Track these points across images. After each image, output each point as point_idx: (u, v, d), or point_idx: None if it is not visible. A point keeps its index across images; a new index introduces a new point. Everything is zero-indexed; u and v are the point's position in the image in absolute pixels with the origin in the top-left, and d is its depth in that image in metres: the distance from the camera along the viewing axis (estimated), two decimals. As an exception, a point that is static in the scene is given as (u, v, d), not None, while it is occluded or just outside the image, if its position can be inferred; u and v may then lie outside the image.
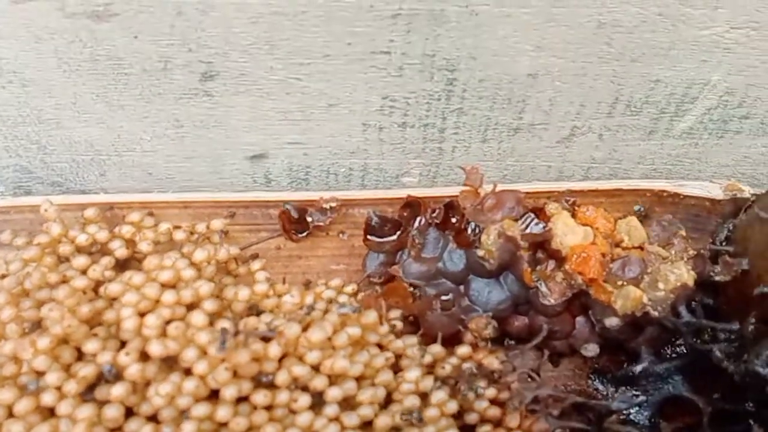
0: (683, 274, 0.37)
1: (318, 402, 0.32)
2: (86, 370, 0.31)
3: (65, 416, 0.30)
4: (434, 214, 0.40)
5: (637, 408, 0.39)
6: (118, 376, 0.31)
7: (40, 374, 0.31)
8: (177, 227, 0.39)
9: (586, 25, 0.37)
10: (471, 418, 0.36)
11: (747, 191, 0.43)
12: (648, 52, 0.39)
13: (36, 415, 0.31)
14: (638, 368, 0.39)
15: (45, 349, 0.30)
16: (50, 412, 0.31)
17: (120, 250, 0.37)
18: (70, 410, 0.30)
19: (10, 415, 0.31)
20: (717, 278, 0.37)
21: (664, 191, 0.43)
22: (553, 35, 0.37)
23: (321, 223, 0.42)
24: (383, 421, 0.33)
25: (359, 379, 0.33)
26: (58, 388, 0.30)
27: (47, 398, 0.30)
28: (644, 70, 0.40)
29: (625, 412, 0.39)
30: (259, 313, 0.36)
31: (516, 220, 0.39)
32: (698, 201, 0.43)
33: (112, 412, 0.30)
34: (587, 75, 0.40)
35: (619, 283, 0.38)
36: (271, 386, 0.32)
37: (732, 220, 0.41)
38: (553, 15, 0.36)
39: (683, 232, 0.40)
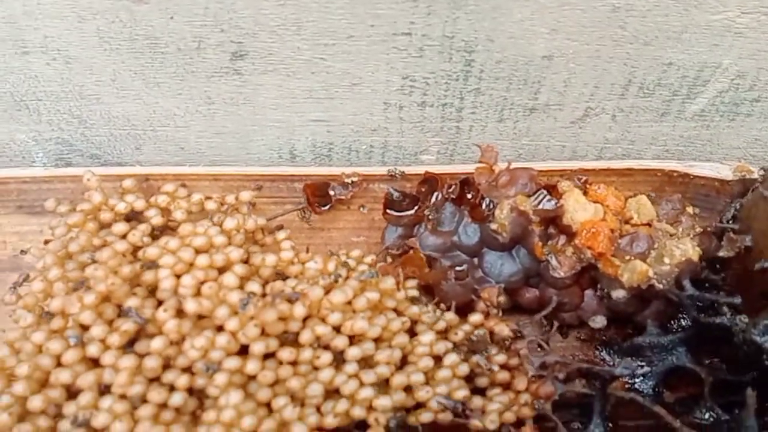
0: (688, 250, 0.38)
1: (339, 360, 0.35)
2: (127, 325, 0.33)
3: (109, 366, 0.33)
4: (450, 190, 0.42)
5: (641, 378, 0.41)
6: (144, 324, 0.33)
7: (85, 328, 0.34)
8: (208, 198, 0.41)
9: (600, 8, 0.38)
10: (482, 381, 0.38)
11: (756, 172, 0.44)
12: (661, 36, 0.40)
13: (82, 365, 0.33)
14: (642, 339, 0.40)
15: (90, 304, 0.33)
16: (95, 363, 0.34)
17: (156, 218, 0.39)
18: (113, 361, 0.33)
19: (59, 364, 0.34)
20: (722, 254, 0.39)
21: (674, 171, 0.45)
22: (568, 18, 0.39)
23: (343, 197, 0.44)
24: (398, 379, 0.35)
25: (377, 341, 0.36)
26: (102, 341, 0.33)
27: (92, 350, 0.33)
28: (657, 53, 0.41)
29: (630, 381, 0.41)
30: (284, 278, 0.38)
31: (529, 196, 0.41)
32: (708, 181, 0.44)
33: (151, 363, 0.33)
34: (601, 57, 0.41)
35: (627, 257, 0.40)
36: (296, 344, 0.35)
37: (739, 200, 0.42)
38: (568, -1, 0.38)
39: (691, 210, 0.42)
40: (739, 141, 0.47)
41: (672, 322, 0.42)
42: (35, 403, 0.33)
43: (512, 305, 0.43)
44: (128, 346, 0.34)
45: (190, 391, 0.34)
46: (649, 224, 0.41)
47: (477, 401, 0.36)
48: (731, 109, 0.45)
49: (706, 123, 0.46)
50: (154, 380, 0.33)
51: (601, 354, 0.43)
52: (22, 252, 0.43)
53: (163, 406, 0.33)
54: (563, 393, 0.38)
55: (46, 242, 0.40)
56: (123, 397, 0.32)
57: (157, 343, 0.33)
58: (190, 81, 0.41)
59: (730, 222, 0.41)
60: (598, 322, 0.42)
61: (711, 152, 0.48)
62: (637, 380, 0.41)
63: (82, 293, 0.33)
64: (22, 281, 0.39)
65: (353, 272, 0.38)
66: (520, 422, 0.36)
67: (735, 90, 0.43)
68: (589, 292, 0.42)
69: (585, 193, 0.42)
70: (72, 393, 0.33)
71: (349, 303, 0.35)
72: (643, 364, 0.41)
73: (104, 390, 0.33)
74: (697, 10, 0.39)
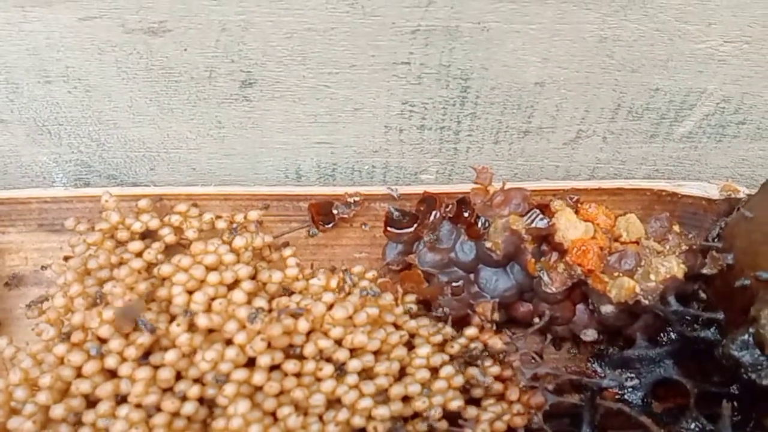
0: (673, 267, 0.40)
1: (340, 371, 0.37)
2: (143, 339, 0.36)
3: (125, 377, 0.35)
4: (448, 209, 0.44)
5: (631, 389, 0.43)
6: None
7: (103, 341, 0.36)
8: (218, 217, 0.44)
9: (588, 39, 0.41)
10: (477, 392, 0.40)
11: (742, 192, 0.46)
12: (647, 64, 0.42)
13: (100, 376, 0.36)
14: (632, 352, 0.42)
15: (109, 319, 0.36)
16: (112, 374, 0.36)
17: (169, 237, 0.42)
18: (129, 372, 0.35)
19: (79, 375, 0.36)
20: (705, 271, 0.41)
21: (663, 191, 0.47)
22: (558, 48, 0.41)
23: (345, 215, 0.46)
24: (397, 390, 0.37)
25: (377, 353, 0.38)
26: (120, 353, 0.36)
27: (110, 361, 0.36)
28: (644, 79, 0.43)
29: (620, 392, 0.43)
30: (290, 294, 0.40)
31: (522, 216, 0.43)
32: (695, 200, 0.46)
33: (165, 374, 0.35)
34: (590, 84, 0.43)
35: (615, 274, 0.42)
36: (300, 356, 0.37)
37: (724, 219, 0.44)
38: (557, 30, 0.40)
39: (677, 229, 0.43)
40: (726, 161, 0.49)
41: (661, 335, 0.44)
42: (57, 411, 0.35)
43: (507, 319, 0.45)
44: (143, 358, 0.36)
45: (201, 400, 0.36)
46: (637, 242, 0.43)
47: (471, 411, 0.38)
48: (718, 131, 0.47)
49: (694, 144, 0.48)
50: (168, 390, 0.36)
51: (593, 366, 0.45)
52: (43, 267, 0.45)
53: (176, 414, 0.35)
54: (555, 403, 0.40)
55: (66, 258, 0.43)
56: (138, 406, 0.35)
57: (170, 356, 0.35)
58: (201, 107, 0.44)
59: (715, 240, 0.43)
60: (589, 335, 0.44)
61: (700, 172, 0.50)
62: (626, 391, 0.43)
63: (101, 309, 0.36)
64: (39, 302, 0.41)
65: (355, 288, 0.40)
66: (512, 431, 0.38)
67: (721, 113, 0.45)
68: (580, 307, 0.44)
69: (576, 212, 0.44)
70: (91, 402, 0.36)
71: (350, 318, 0.38)
72: (632, 375, 0.43)
73: (121, 399, 0.36)
74: (682, 39, 0.41)
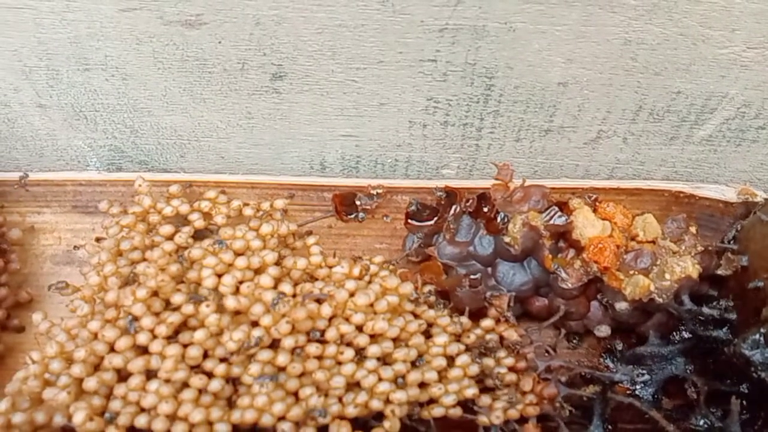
0: (688, 267, 0.41)
1: (360, 356, 0.38)
2: (173, 318, 0.37)
3: (156, 353, 0.37)
4: (468, 204, 0.46)
5: (642, 385, 0.44)
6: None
7: (136, 319, 0.38)
8: (246, 204, 0.45)
9: (613, 41, 0.41)
10: (491, 382, 0.42)
11: (759, 195, 0.46)
12: (670, 67, 0.43)
13: (132, 352, 0.38)
14: (644, 349, 0.43)
15: (142, 298, 0.37)
16: (144, 350, 0.38)
17: (198, 222, 0.43)
18: (160, 349, 0.37)
19: (112, 350, 0.38)
20: (720, 272, 0.42)
21: (680, 192, 0.47)
22: (583, 50, 0.42)
23: (368, 207, 0.47)
24: (414, 376, 0.39)
25: (395, 340, 0.39)
26: (151, 331, 0.37)
27: (142, 338, 0.37)
28: (666, 82, 0.44)
29: (631, 387, 0.44)
30: (314, 281, 0.42)
31: (541, 212, 0.44)
32: (712, 203, 0.47)
33: (194, 352, 0.37)
34: (613, 85, 0.44)
35: (631, 272, 0.43)
36: (322, 340, 0.38)
37: (741, 222, 0.44)
38: (582, 32, 0.41)
39: (694, 230, 0.44)
40: (745, 165, 0.49)
41: (674, 333, 0.45)
42: (90, 384, 0.37)
43: (523, 313, 0.46)
44: (173, 336, 0.38)
45: (227, 378, 0.37)
46: (653, 241, 0.44)
47: (485, 399, 0.40)
48: (738, 135, 0.47)
49: (713, 147, 0.48)
50: (196, 368, 0.37)
51: (606, 361, 0.46)
52: (76, 248, 0.47)
53: (203, 390, 0.37)
54: (568, 396, 0.41)
55: (98, 240, 0.45)
56: (168, 381, 0.36)
57: (199, 335, 0.37)
58: (232, 98, 0.45)
59: (731, 242, 0.44)
60: (603, 331, 0.45)
61: (718, 175, 0.50)
62: (637, 387, 0.44)
63: (134, 288, 0.38)
64: (61, 287, 0.43)
65: (375, 277, 0.42)
66: (524, 419, 0.39)
67: (741, 118, 0.46)
68: (595, 303, 0.45)
69: (594, 211, 0.45)
70: (123, 376, 0.38)
71: (371, 305, 0.39)
72: (644, 372, 0.44)
73: (151, 375, 0.37)
74: (705, 44, 0.41)
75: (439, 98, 0.45)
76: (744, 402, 0.40)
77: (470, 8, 0.39)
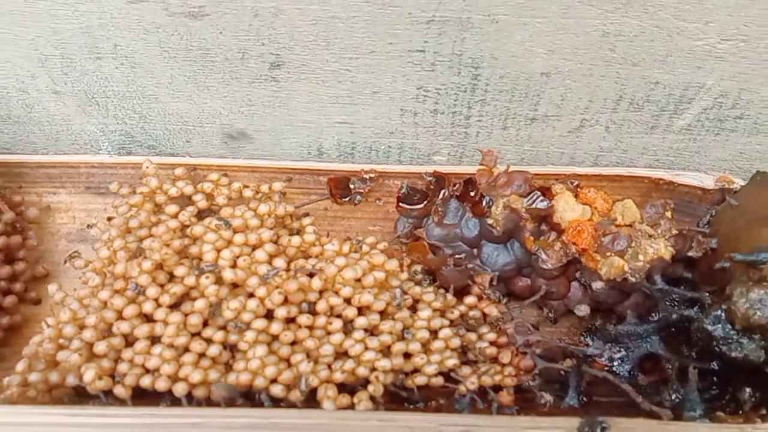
0: (661, 249, 0.43)
1: (348, 327, 0.41)
2: (176, 288, 0.40)
3: (160, 320, 0.40)
4: (455, 188, 0.48)
5: (619, 361, 0.46)
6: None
7: (142, 288, 0.41)
8: (246, 186, 0.48)
9: (591, 33, 0.44)
10: (472, 356, 0.44)
11: (736, 183, 0.48)
12: (647, 58, 0.45)
13: (138, 319, 0.41)
14: (621, 328, 0.45)
15: (147, 269, 0.40)
16: (148, 318, 0.41)
17: (201, 202, 0.46)
18: (163, 316, 0.40)
19: (120, 317, 0.41)
20: (691, 254, 0.44)
21: (660, 179, 0.49)
22: (563, 41, 0.44)
23: (362, 191, 0.50)
24: (399, 347, 0.41)
25: (382, 313, 0.42)
26: (156, 300, 0.40)
27: (147, 307, 0.40)
28: (644, 73, 0.46)
29: (609, 364, 0.46)
30: (307, 258, 0.45)
31: (523, 196, 0.46)
32: (691, 189, 0.49)
33: (194, 320, 0.40)
34: (593, 75, 0.46)
35: (608, 254, 0.45)
36: (313, 311, 0.41)
37: (716, 207, 0.46)
38: (562, 24, 0.43)
39: (669, 214, 0.46)
40: (725, 154, 0.51)
41: (651, 314, 0.47)
42: (100, 347, 0.40)
43: (506, 293, 0.48)
44: (176, 305, 0.41)
45: (225, 344, 0.40)
46: (631, 225, 0.46)
47: (465, 370, 0.42)
48: (716, 125, 0.49)
49: (693, 136, 0.50)
50: (196, 334, 0.40)
51: (585, 339, 0.48)
52: (89, 226, 0.50)
53: (203, 355, 0.40)
54: (545, 369, 0.43)
55: (109, 219, 0.48)
56: (171, 346, 0.39)
57: (199, 304, 0.40)
58: (234, 86, 0.48)
59: (705, 226, 0.46)
60: (582, 310, 0.47)
61: (699, 163, 0.52)
62: (615, 363, 0.46)
63: (141, 260, 0.41)
64: (72, 257, 0.46)
65: (366, 255, 0.44)
66: (499, 388, 0.42)
67: (719, 108, 0.48)
68: (575, 284, 0.48)
69: (576, 196, 0.47)
70: (129, 341, 0.41)
71: (359, 280, 0.42)
72: (620, 349, 0.46)
73: (156, 340, 0.40)
74: (680, 36, 0.43)
75: (428, 87, 0.47)
76: (714, 378, 0.42)
77: (455, 1, 0.42)
